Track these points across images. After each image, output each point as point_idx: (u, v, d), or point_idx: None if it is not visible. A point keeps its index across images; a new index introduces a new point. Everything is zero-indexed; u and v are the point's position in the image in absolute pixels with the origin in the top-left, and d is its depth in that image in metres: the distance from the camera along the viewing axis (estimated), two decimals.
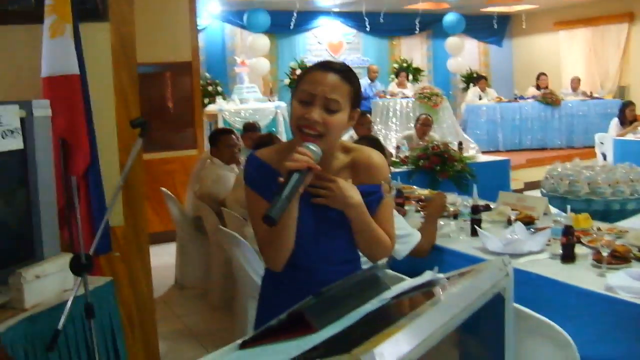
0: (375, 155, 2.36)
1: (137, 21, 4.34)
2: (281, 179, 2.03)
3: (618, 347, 3.03)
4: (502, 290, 1.75)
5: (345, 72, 2.23)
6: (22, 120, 3.22)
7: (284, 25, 14.77)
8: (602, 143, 11.52)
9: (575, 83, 14.83)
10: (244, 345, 1.59)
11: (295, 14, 14.55)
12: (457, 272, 1.73)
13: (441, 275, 1.65)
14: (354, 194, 2.21)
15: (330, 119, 2.15)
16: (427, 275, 1.65)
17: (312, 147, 2.09)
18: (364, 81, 14.31)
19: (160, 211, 7.62)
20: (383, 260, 1.84)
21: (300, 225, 2.18)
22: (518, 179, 10.77)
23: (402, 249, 3.82)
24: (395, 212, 3.94)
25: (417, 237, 3.89)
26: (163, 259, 7.20)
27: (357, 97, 2.26)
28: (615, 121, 11.06)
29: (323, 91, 2.15)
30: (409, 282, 1.60)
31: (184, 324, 5.81)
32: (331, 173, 2.23)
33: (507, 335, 1.79)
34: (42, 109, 3.36)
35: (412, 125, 9.81)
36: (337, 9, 15.38)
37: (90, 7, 4.06)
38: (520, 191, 9.64)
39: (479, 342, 1.75)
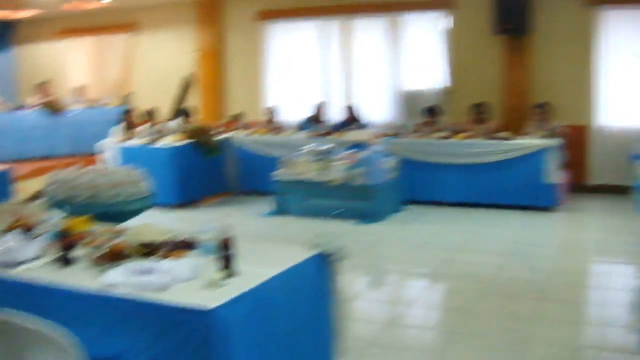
0: None
1: None
2: None
3: (122, 341, 3.08)
4: None
5: None
6: None
7: None
8: (105, 149, 11.68)
9: (81, 91, 14.83)
10: None
11: None
12: None
13: None
14: None
15: None
16: None
17: None
18: None
19: None
20: None
21: None
22: (25, 189, 10.45)
23: None
24: None
25: None
26: None
27: None
28: (119, 127, 11.31)
29: None
30: None
31: None
32: None
33: None
34: None
35: None
36: None
37: None
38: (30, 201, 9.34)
39: None
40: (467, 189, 10.21)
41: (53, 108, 13.72)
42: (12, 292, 3.39)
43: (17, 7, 14.49)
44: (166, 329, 2.99)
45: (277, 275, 3.40)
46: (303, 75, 13.59)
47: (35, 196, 9.19)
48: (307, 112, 12.47)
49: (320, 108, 12.42)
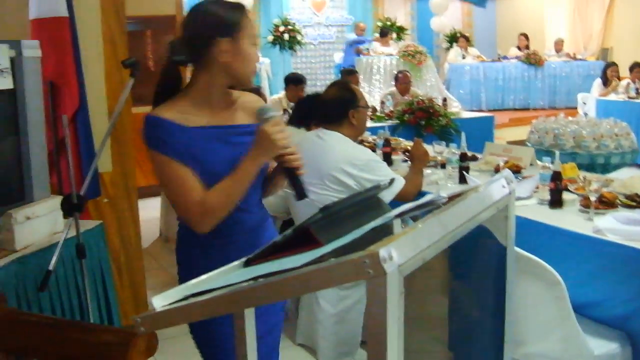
0: (256, 98, 2.44)
1: None
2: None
3: (605, 287, 3.06)
4: (505, 207, 1.77)
5: None
6: (11, 60, 3.17)
7: None
8: (584, 103, 11.57)
9: (559, 44, 14.82)
10: (247, 264, 1.58)
11: None
12: (458, 191, 1.74)
13: (443, 195, 1.67)
14: None
15: None
16: (429, 196, 1.66)
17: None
18: (351, 36, 14.23)
19: (144, 165, 7.55)
20: (385, 182, 1.87)
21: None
22: (501, 137, 10.78)
23: (386, 194, 3.80)
24: (378, 159, 3.95)
25: (400, 182, 3.86)
26: (147, 212, 7.16)
27: None
28: (597, 82, 11.11)
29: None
30: (411, 203, 1.61)
31: (171, 275, 5.80)
32: (232, 110, 2.29)
33: (509, 253, 1.82)
34: (32, 49, 3.30)
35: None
36: None
37: None
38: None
39: (483, 254, 1.78)
40: None
41: (533, 60, 13.93)
42: None
43: None
44: None
45: None
46: None
47: (519, 143, 9.47)
48: None
49: None
